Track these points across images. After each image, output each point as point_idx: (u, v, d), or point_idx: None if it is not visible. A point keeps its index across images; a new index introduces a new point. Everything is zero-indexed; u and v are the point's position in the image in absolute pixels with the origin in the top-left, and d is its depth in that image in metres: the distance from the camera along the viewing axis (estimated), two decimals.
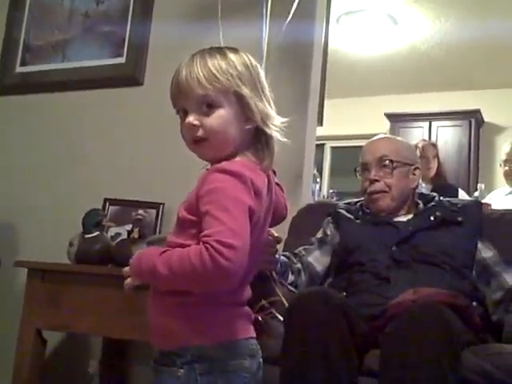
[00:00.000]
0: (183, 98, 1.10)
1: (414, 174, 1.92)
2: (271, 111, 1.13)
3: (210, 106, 1.09)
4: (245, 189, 1.03)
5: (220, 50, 1.12)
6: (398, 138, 2.07)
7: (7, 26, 3.04)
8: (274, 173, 1.33)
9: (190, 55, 1.13)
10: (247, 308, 1.13)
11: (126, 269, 1.11)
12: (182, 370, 1.05)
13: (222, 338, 1.06)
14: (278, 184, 1.28)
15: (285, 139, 1.14)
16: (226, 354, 1.06)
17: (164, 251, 1.04)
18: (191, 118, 1.09)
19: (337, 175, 6.40)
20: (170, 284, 1.04)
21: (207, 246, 0.97)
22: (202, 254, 0.97)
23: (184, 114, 1.11)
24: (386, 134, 5.51)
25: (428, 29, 4.81)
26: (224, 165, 1.06)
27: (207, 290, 1.04)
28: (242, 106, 1.10)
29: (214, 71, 1.08)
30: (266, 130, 1.11)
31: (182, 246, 1.04)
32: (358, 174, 1.96)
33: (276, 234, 1.49)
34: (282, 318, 1.51)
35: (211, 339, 1.05)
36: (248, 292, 1.13)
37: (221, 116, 1.09)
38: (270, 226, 1.23)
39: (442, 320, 1.35)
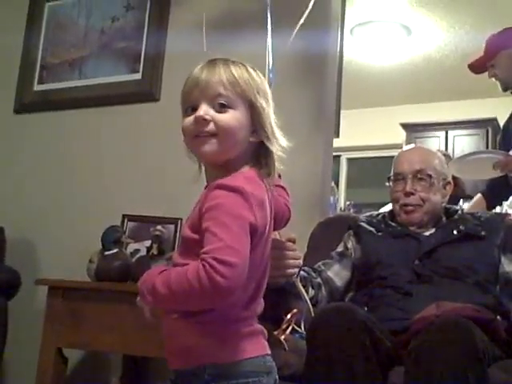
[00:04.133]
0: (198, 93, 1.09)
1: (445, 189, 1.91)
2: (278, 130, 1.13)
3: (223, 106, 1.08)
4: (246, 205, 1.02)
5: (239, 62, 1.14)
6: (433, 150, 2.04)
7: (24, 45, 3.08)
8: (279, 176, 1.32)
9: (208, 61, 1.13)
10: (260, 326, 1.11)
11: (138, 299, 1.09)
12: None
13: (239, 356, 1.05)
14: (281, 186, 1.28)
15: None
16: (243, 372, 1.04)
17: (163, 270, 1.03)
18: (202, 112, 1.08)
19: (353, 187, 6.38)
20: (170, 303, 1.04)
21: (204, 263, 0.96)
22: (199, 271, 0.96)
23: (193, 111, 1.10)
24: (407, 144, 5.49)
25: (442, 37, 4.80)
26: (224, 180, 1.05)
27: (205, 308, 1.03)
28: (253, 117, 1.11)
29: (237, 76, 1.09)
30: (270, 146, 1.11)
31: None
32: (390, 183, 1.94)
33: (291, 236, 1.48)
34: (303, 332, 1.49)
35: (228, 357, 1.04)
36: (261, 306, 1.12)
37: (235, 116, 1.09)
38: (275, 229, 1.21)
39: (468, 335, 1.33)
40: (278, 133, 1.13)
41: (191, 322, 1.05)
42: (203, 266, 0.96)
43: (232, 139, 1.09)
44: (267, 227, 1.08)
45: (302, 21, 2.20)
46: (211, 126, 1.08)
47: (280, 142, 1.13)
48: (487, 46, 2.64)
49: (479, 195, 2.63)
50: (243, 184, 1.04)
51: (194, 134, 1.09)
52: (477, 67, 2.69)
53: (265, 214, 1.06)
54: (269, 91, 1.15)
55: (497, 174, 2.50)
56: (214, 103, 1.09)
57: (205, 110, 1.08)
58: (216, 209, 1.01)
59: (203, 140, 1.09)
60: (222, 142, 1.08)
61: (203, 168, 1.17)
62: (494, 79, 2.63)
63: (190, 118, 1.10)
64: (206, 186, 1.13)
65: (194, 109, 1.10)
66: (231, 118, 1.08)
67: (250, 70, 1.13)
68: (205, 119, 1.08)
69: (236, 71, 1.10)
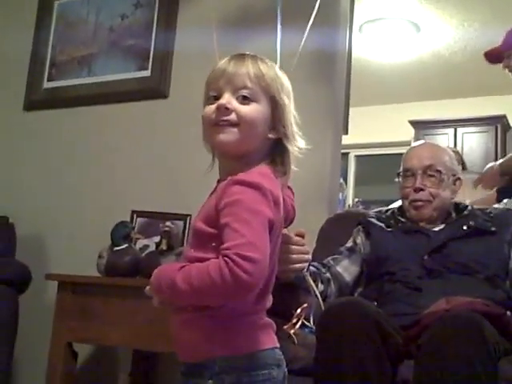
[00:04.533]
0: (223, 83, 1.10)
1: (455, 185, 1.91)
2: (297, 131, 1.14)
3: (246, 98, 1.09)
4: (264, 201, 1.03)
5: (267, 60, 1.15)
6: (443, 147, 2.03)
7: (34, 42, 3.09)
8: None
9: (237, 54, 1.14)
10: (269, 319, 1.12)
11: (148, 288, 1.10)
12: (210, 382, 1.05)
13: (250, 349, 1.06)
14: (287, 186, 1.29)
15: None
16: (253, 365, 1.05)
17: (183, 266, 1.04)
18: (225, 101, 1.09)
19: (361, 184, 6.38)
20: (190, 299, 1.04)
21: (227, 259, 0.97)
22: (222, 268, 0.97)
23: (215, 100, 1.11)
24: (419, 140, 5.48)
25: (451, 34, 4.78)
26: (242, 176, 1.05)
27: (226, 303, 1.04)
28: (274, 114, 1.12)
29: (264, 72, 1.11)
30: (288, 145, 1.12)
31: (203, 259, 1.03)
32: (400, 179, 1.94)
33: (300, 231, 1.49)
34: (313, 326, 1.50)
35: (239, 350, 1.05)
36: (270, 300, 1.13)
37: (257, 109, 1.10)
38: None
39: (478, 329, 1.33)
40: (296, 133, 1.14)
41: (201, 316, 1.05)
42: (226, 262, 0.97)
43: (252, 131, 1.09)
44: (279, 224, 1.09)
45: (311, 21, 2.21)
46: (232, 116, 1.09)
47: (298, 143, 1.13)
48: (506, 36, 2.62)
49: None
50: (261, 180, 1.04)
51: (213, 121, 1.10)
52: (492, 55, 2.67)
53: (279, 210, 1.07)
54: (291, 92, 1.16)
55: (485, 192, 2.49)
56: (238, 95, 1.10)
57: (228, 99, 1.09)
58: (235, 205, 1.02)
59: (222, 128, 1.09)
60: (241, 133, 1.09)
61: (216, 161, 1.17)
62: (507, 70, 2.60)
63: (212, 106, 1.10)
64: (219, 180, 1.13)
65: (217, 98, 1.10)
66: (253, 110, 1.09)
67: (277, 69, 1.15)
68: (227, 108, 1.08)
69: (263, 67, 1.12)
